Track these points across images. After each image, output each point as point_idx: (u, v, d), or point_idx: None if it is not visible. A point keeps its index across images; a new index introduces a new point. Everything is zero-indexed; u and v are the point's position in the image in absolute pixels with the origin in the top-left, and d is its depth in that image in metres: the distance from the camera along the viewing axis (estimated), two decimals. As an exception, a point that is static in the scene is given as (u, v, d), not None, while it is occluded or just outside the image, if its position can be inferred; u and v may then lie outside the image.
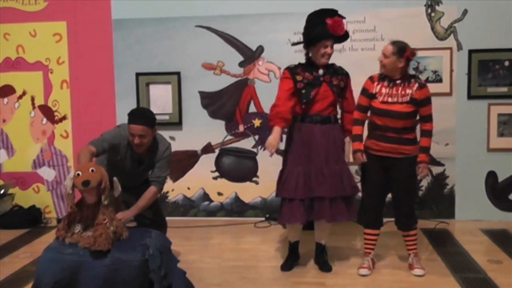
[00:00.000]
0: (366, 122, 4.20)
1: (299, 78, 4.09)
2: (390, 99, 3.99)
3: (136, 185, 4.05)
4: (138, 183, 4.08)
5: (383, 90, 4.02)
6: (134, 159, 3.95)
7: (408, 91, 3.97)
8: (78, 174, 3.13)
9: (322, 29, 4.02)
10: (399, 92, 3.98)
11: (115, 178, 3.39)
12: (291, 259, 4.34)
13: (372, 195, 4.15)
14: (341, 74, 4.19)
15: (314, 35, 4.04)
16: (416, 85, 3.99)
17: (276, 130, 4.03)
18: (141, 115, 3.84)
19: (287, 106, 4.03)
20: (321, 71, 4.10)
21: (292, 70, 4.14)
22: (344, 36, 4.16)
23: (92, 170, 3.16)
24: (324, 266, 4.26)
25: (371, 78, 4.12)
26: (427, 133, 4.05)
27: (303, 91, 4.06)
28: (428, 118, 4.03)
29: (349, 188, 4.10)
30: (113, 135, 3.88)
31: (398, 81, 4.00)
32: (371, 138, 4.10)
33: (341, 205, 4.08)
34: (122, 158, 3.93)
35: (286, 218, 4.13)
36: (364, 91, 4.12)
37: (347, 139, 4.24)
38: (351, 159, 4.19)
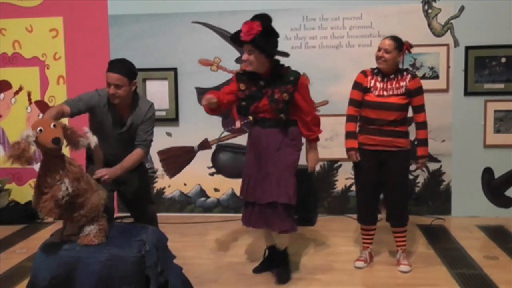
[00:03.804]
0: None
1: (242, 86, 3.87)
2: (385, 93, 4.02)
3: (122, 155, 3.80)
4: (124, 153, 3.81)
5: (378, 85, 4.05)
6: (116, 120, 3.81)
7: (402, 83, 4.02)
8: (41, 130, 2.86)
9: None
10: (394, 85, 4.02)
11: (86, 128, 3.22)
12: (264, 264, 4.20)
13: (366, 192, 4.16)
14: (287, 83, 3.78)
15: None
16: (409, 76, 4.04)
17: (207, 96, 3.76)
18: (120, 64, 3.75)
19: (218, 94, 3.85)
20: (262, 82, 3.82)
21: (239, 76, 3.93)
22: (261, 43, 3.67)
23: (54, 126, 2.92)
24: (281, 276, 4.00)
25: (363, 72, 4.13)
26: (422, 125, 4.09)
27: (243, 103, 3.88)
28: (421, 108, 4.06)
29: (277, 195, 3.78)
30: (90, 96, 3.77)
31: (391, 76, 4.04)
32: (365, 133, 4.10)
33: (270, 212, 3.82)
34: (103, 120, 3.79)
35: (244, 220, 4.07)
36: (357, 85, 4.12)
37: (311, 145, 4.01)
38: (311, 167, 4.04)
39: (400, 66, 4.12)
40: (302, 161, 5.66)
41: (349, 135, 4.14)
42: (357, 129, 4.17)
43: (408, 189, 4.21)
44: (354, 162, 4.18)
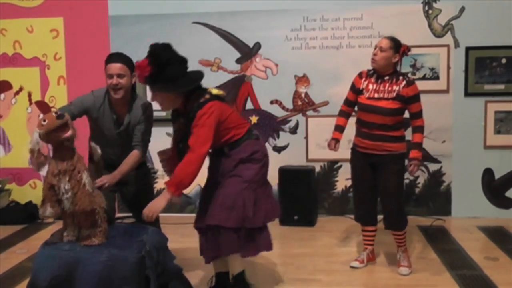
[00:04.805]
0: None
1: (175, 127, 3.58)
2: (376, 95, 3.98)
3: (122, 155, 3.80)
4: (124, 153, 3.79)
5: (370, 86, 4.02)
6: (113, 120, 3.79)
7: (395, 87, 3.94)
8: (44, 120, 2.92)
9: None
10: (386, 88, 3.96)
11: (92, 143, 3.36)
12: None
13: (362, 192, 4.15)
14: (192, 120, 3.31)
15: None
16: (404, 82, 3.94)
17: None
18: (119, 55, 3.77)
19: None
20: (182, 119, 3.46)
21: (172, 116, 3.60)
22: (157, 80, 3.25)
23: (56, 113, 3.00)
24: None
25: (359, 74, 4.14)
26: (419, 129, 4.01)
27: (180, 145, 3.50)
28: (418, 115, 4.00)
29: (207, 217, 3.48)
30: (82, 98, 3.78)
31: (386, 77, 3.99)
32: (358, 136, 4.10)
33: (208, 238, 3.54)
34: (100, 120, 3.78)
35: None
36: (352, 86, 4.16)
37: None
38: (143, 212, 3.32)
39: (398, 69, 4.09)
40: (301, 161, 5.69)
41: (335, 127, 4.23)
42: (346, 124, 4.23)
43: (403, 192, 4.14)
44: (350, 162, 4.20)
